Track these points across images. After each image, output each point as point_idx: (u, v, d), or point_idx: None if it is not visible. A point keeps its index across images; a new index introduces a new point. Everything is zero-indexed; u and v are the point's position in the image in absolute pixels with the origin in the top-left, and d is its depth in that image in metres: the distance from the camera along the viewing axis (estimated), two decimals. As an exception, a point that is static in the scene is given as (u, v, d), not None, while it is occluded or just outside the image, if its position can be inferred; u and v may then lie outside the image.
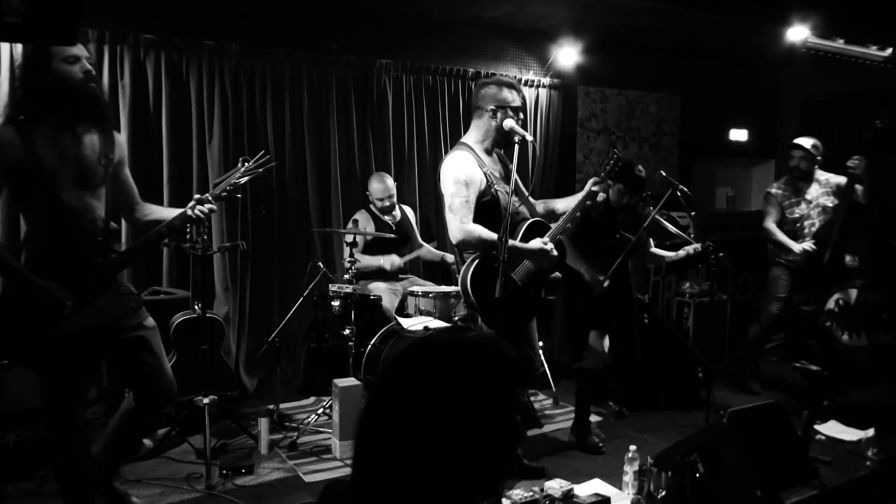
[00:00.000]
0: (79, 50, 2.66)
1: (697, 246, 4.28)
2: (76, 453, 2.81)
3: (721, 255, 4.23)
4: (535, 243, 3.37)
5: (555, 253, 3.39)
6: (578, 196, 3.59)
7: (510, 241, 3.26)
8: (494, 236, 3.23)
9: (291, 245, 5.27)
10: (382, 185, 5.07)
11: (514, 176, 3.33)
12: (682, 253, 4.35)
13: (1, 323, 2.66)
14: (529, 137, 3.35)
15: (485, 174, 3.36)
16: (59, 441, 2.81)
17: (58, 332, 2.64)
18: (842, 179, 5.15)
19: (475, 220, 3.33)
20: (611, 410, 4.82)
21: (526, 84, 6.22)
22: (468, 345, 1.16)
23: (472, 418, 1.10)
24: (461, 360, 1.13)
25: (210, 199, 2.90)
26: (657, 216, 4.16)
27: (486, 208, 3.35)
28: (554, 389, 5.07)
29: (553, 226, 3.49)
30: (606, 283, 4.04)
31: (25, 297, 2.61)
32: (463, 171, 3.32)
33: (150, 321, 2.99)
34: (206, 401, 3.77)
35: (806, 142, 5.17)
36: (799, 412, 4.23)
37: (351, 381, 4.08)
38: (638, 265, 4.54)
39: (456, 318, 4.61)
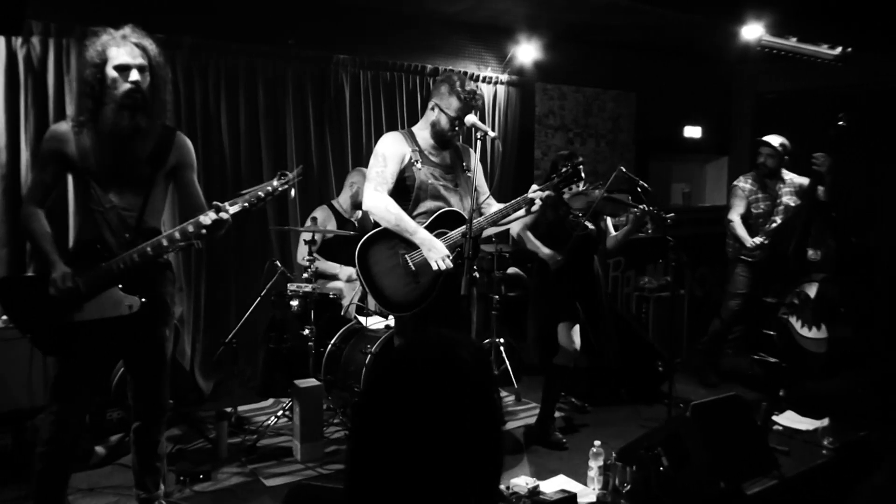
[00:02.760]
0: (130, 58, 2.70)
1: (644, 208, 4.23)
2: (63, 442, 2.82)
3: (672, 241, 4.26)
4: (439, 243, 3.32)
5: (445, 253, 3.29)
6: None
7: (412, 224, 3.30)
8: (401, 213, 3.31)
9: (248, 244, 5.18)
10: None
11: (476, 164, 3.38)
12: (631, 219, 4.29)
13: (27, 299, 2.78)
14: (492, 133, 3.36)
15: (412, 152, 3.42)
16: (50, 424, 2.80)
17: (70, 319, 2.74)
18: (805, 180, 5.25)
19: (393, 195, 3.37)
20: (573, 406, 4.85)
21: (484, 80, 6.22)
22: (454, 356, 1.15)
23: (466, 428, 1.10)
24: (448, 375, 1.12)
25: (227, 208, 2.81)
26: (606, 192, 4.16)
27: (402, 184, 3.42)
28: (516, 386, 5.09)
29: (476, 220, 3.40)
30: (560, 258, 4.09)
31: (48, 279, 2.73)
32: (383, 146, 3.42)
33: (161, 332, 2.97)
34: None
35: (774, 140, 5.27)
36: (757, 404, 4.32)
37: (311, 382, 4.04)
38: (600, 259, 4.56)
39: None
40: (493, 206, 3.63)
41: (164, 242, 2.80)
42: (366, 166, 5.10)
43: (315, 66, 5.36)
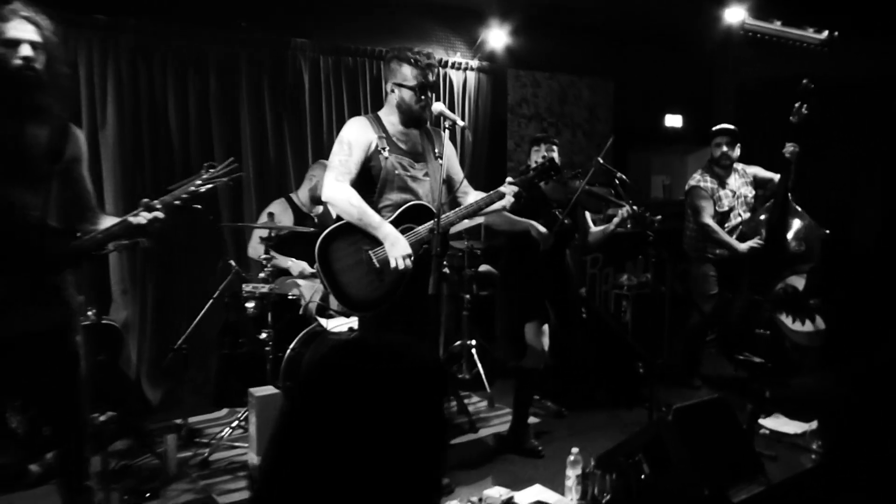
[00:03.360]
0: (20, 32, 2.55)
1: (630, 208, 4.18)
2: None
3: (651, 237, 4.24)
4: (403, 240, 3.26)
5: (406, 252, 3.22)
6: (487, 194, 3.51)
7: (376, 217, 3.24)
8: (364, 207, 3.24)
9: (199, 241, 5.08)
10: None
11: (448, 149, 3.32)
12: (616, 219, 4.26)
13: None
14: (461, 123, 3.31)
15: (379, 139, 3.36)
16: None
17: None
18: (756, 169, 5.28)
19: (357, 185, 3.31)
20: (549, 410, 4.83)
21: (453, 66, 6.20)
22: (393, 355, 1.12)
23: (400, 436, 1.07)
24: (387, 374, 1.09)
25: (158, 205, 2.69)
26: (587, 186, 4.12)
27: (367, 174, 3.35)
28: (489, 390, 5.06)
29: (445, 216, 3.32)
30: (552, 238, 4.01)
31: None
32: (349, 133, 3.36)
33: (74, 342, 2.82)
34: (103, 418, 3.64)
35: (730, 126, 5.29)
36: (741, 406, 4.33)
37: (269, 390, 3.96)
38: (576, 254, 4.54)
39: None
40: (469, 195, 3.60)
41: (87, 246, 2.69)
42: (327, 158, 5.11)
43: (271, 50, 5.29)
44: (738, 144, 5.27)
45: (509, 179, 3.45)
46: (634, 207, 4.15)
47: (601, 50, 7.22)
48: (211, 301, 4.48)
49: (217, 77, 5.07)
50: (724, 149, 5.25)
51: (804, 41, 6.00)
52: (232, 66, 5.13)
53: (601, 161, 4.28)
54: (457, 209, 3.42)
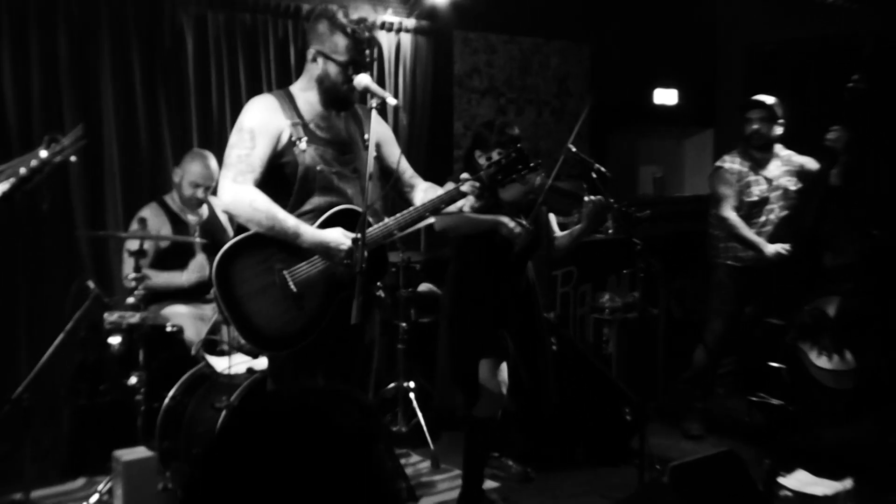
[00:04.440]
0: None
1: (591, 198, 4.12)
2: None
3: (640, 245, 4.24)
4: (334, 233, 3.26)
5: (344, 245, 3.23)
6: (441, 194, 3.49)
7: (291, 222, 3.22)
8: (274, 209, 3.20)
9: (46, 256, 5.04)
10: (205, 169, 4.87)
11: (384, 135, 3.38)
12: (587, 207, 4.16)
13: None
14: (392, 101, 3.33)
15: (293, 126, 3.33)
16: None
17: None
18: (806, 160, 5.36)
19: (265, 188, 3.26)
20: (511, 472, 4.82)
21: (383, 27, 6.21)
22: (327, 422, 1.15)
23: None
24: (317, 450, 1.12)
25: None
26: (552, 181, 4.08)
27: (278, 173, 3.32)
28: (432, 447, 5.04)
29: (376, 224, 3.33)
30: (529, 234, 3.99)
31: None
32: (251, 118, 3.31)
33: None
34: (-89, 495, 3.49)
35: (767, 99, 5.37)
36: (758, 461, 4.37)
37: (140, 453, 3.94)
38: (542, 269, 4.51)
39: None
40: (417, 190, 3.61)
41: None
42: (215, 149, 5.06)
43: (141, 5, 5.26)
44: (779, 122, 5.32)
45: (465, 175, 3.42)
46: (616, 203, 4.13)
47: (574, 6, 7.28)
48: (62, 336, 4.37)
49: (69, 40, 5.03)
50: (756, 126, 5.32)
51: (827, -5, 6.12)
52: (89, 26, 5.09)
53: (573, 148, 4.26)
54: (398, 215, 3.39)
